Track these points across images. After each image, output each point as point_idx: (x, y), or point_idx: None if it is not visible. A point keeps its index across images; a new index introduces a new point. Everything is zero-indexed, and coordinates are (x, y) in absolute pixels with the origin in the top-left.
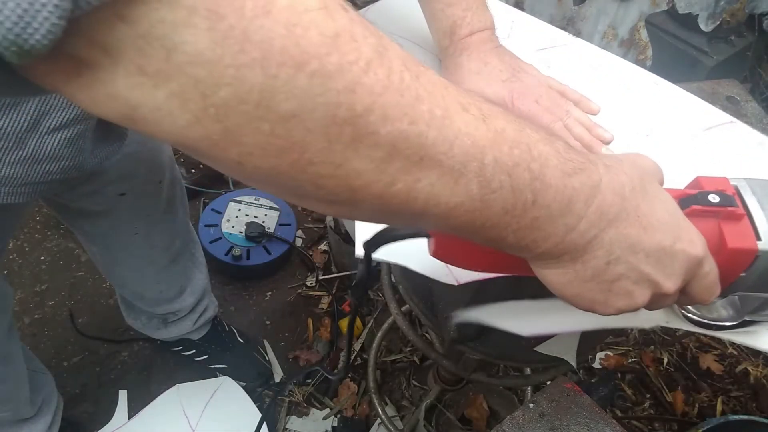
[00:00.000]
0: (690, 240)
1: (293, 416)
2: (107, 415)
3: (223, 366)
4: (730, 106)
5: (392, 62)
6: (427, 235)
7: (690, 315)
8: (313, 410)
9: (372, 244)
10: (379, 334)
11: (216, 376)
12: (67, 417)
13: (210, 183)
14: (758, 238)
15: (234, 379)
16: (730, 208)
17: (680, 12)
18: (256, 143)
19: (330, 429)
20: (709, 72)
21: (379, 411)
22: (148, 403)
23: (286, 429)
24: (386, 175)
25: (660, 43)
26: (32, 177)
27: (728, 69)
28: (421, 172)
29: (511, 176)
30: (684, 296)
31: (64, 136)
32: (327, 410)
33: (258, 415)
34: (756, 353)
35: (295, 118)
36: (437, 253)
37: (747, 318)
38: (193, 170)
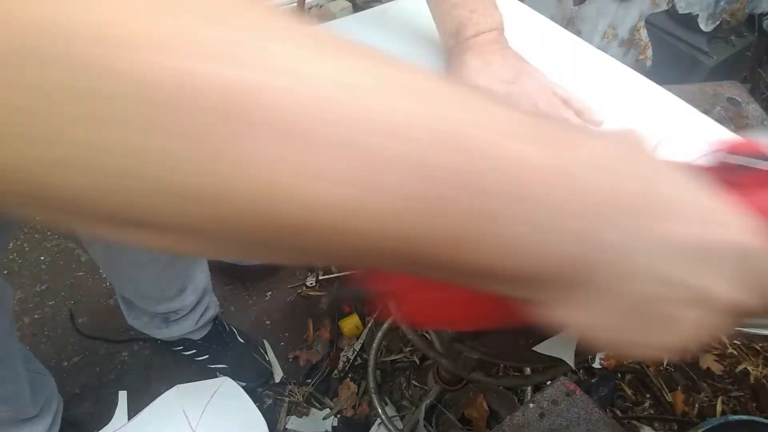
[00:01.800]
0: (727, 223)
1: (293, 416)
2: (107, 415)
3: (224, 366)
4: (732, 107)
5: None
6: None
7: None
8: (313, 410)
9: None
10: (379, 334)
11: (216, 376)
12: (67, 417)
13: None
14: None
15: (234, 379)
16: None
17: (680, 12)
18: None
19: (330, 429)
20: (709, 72)
21: (379, 411)
22: (149, 404)
23: (286, 429)
24: None
25: (660, 43)
26: None
27: (728, 69)
28: None
29: None
30: None
31: None
32: (327, 410)
33: (258, 415)
34: (756, 353)
35: None
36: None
37: None
38: None
